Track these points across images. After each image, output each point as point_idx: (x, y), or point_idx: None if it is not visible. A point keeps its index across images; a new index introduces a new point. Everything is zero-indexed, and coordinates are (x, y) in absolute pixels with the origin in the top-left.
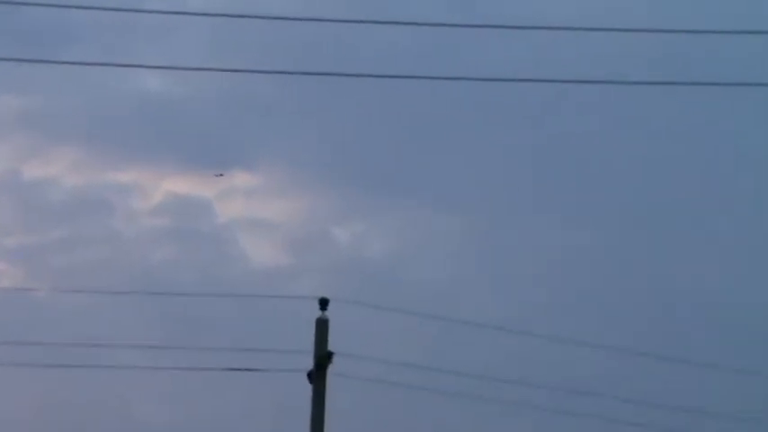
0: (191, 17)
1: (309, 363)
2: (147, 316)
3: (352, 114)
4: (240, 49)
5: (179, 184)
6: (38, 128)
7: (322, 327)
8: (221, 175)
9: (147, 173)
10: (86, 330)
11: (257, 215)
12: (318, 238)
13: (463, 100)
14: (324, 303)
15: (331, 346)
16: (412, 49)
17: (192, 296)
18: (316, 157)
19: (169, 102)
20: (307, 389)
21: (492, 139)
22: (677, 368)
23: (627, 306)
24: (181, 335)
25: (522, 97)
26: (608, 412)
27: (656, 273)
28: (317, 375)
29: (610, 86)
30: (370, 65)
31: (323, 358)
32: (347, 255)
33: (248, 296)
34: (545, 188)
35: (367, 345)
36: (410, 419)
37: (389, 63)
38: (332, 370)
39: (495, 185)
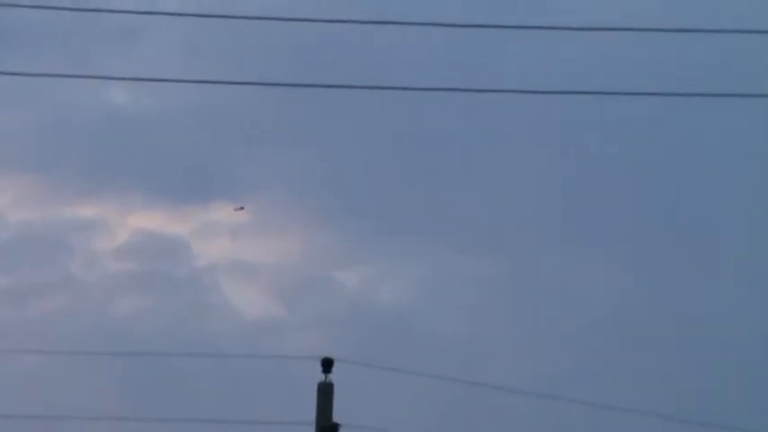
0: (163, 18)
1: None
2: (112, 380)
3: (358, 136)
4: (222, 56)
5: (149, 220)
6: None
7: (325, 393)
8: (242, 208)
9: (112, 207)
10: (39, 398)
11: (244, 257)
12: (318, 284)
13: (485, 117)
14: (327, 365)
15: (336, 417)
16: (427, 57)
17: (166, 356)
18: (314, 187)
19: (138, 120)
20: None
21: (521, 162)
22: None
23: (673, 366)
24: (154, 403)
25: (554, 113)
26: None
27: (710, 322)
28: None
29: (652, 99)
30: (376, 75)
31: (327, 430)
32: (353, 304)
33: (235, 356)
34: (582, 222)
35: (378, 413)
36: None
37: (400, 73)
38: None
39: (525, 219)
